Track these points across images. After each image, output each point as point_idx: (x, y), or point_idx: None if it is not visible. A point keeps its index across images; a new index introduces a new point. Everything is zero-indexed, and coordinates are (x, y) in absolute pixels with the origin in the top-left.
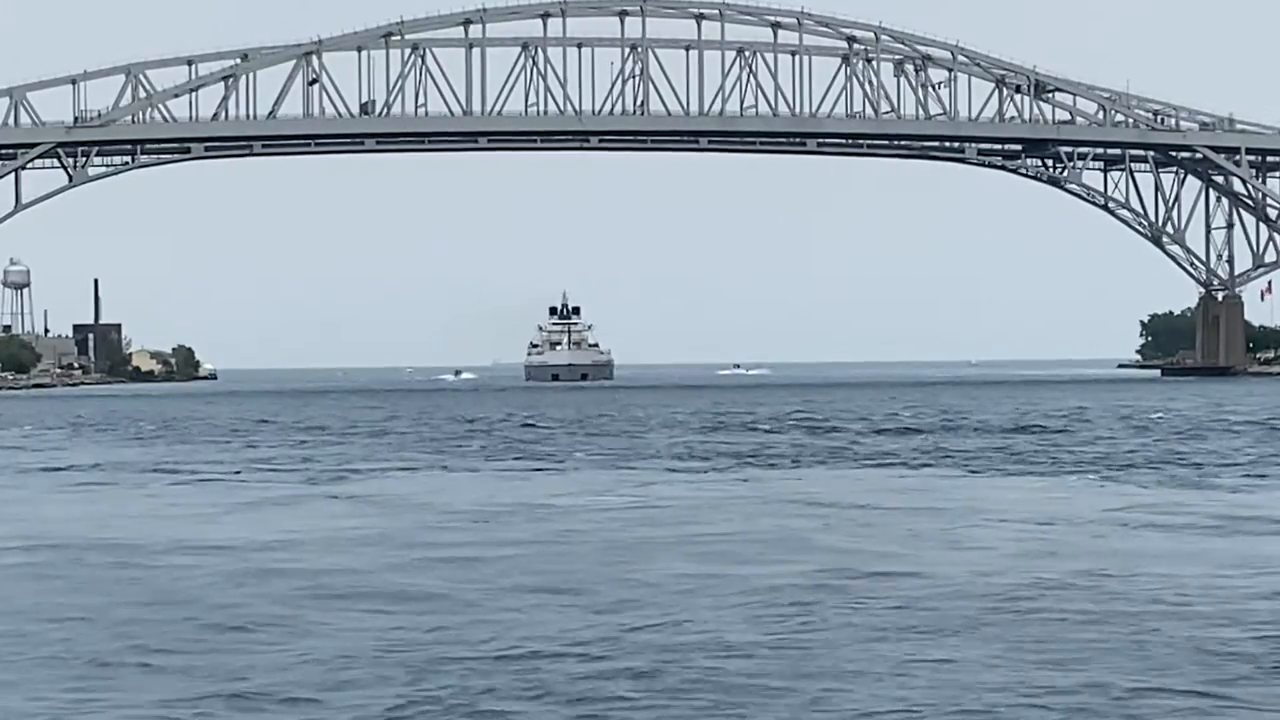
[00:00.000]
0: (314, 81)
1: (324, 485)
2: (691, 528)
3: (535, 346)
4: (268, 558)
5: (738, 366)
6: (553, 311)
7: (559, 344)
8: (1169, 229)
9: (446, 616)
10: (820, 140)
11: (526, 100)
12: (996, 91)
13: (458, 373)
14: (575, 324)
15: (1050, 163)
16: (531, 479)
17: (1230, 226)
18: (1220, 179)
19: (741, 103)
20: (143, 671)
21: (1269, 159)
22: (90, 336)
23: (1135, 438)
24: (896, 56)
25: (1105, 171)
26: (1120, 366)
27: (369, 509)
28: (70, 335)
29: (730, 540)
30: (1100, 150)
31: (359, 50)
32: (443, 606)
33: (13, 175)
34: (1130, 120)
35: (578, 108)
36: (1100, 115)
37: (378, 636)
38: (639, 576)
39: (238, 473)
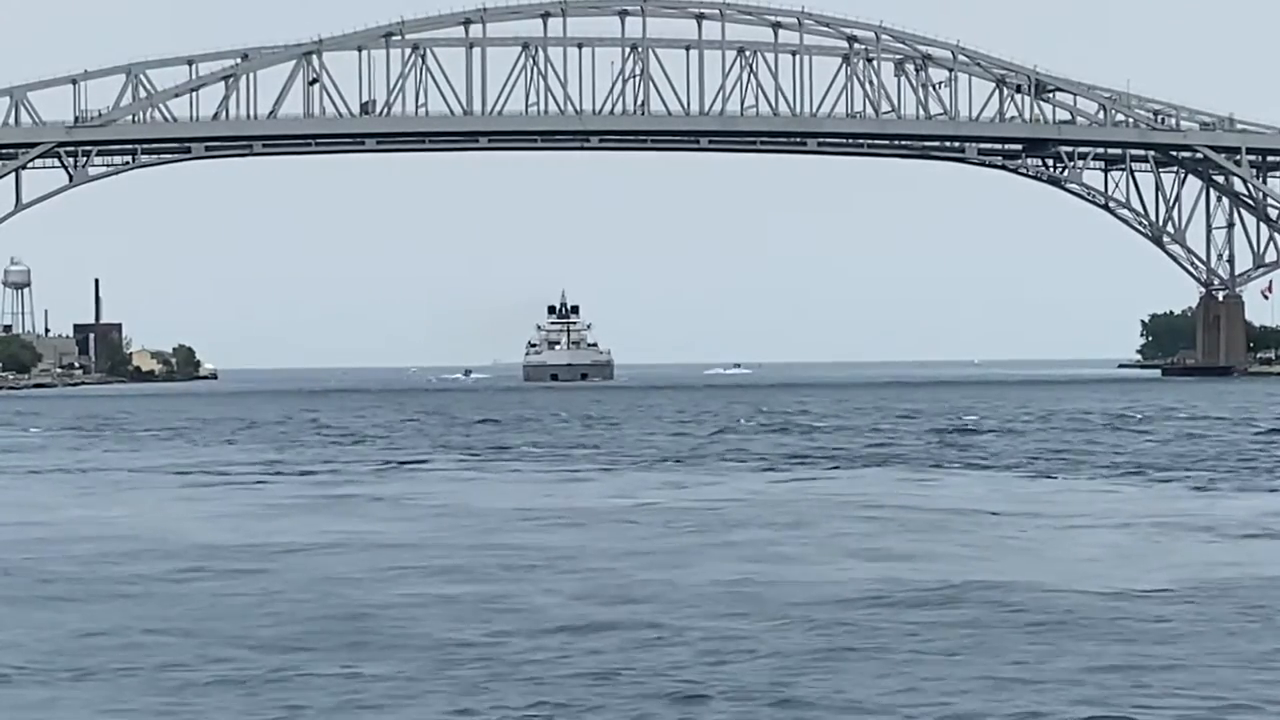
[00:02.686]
0: (314, 81)
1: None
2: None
3: (533, 346)
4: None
5: (738, 366)
6: (551, 311)
7: (558, 344)
8: (1169, 229)
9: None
10: (820, 140)
11: (527, 100)
12: (997, 91)
13: (468, 372)
14: (574, 323)
15: (1050, 163)
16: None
17: (1230, 226)
18: (1221, 179)
19: (742, 102)
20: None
21: (1269, 159)
22: (90, 336)
23: None
24: (897, 56)
25: (1105, 171)
26: (1120, 366)
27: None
28: (70, 335)
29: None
30: (1100, 150)
31: (359, 50)
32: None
33: (13, 175)
34: (1130, 120)
35: (578, 108)
36: (1100, 115)
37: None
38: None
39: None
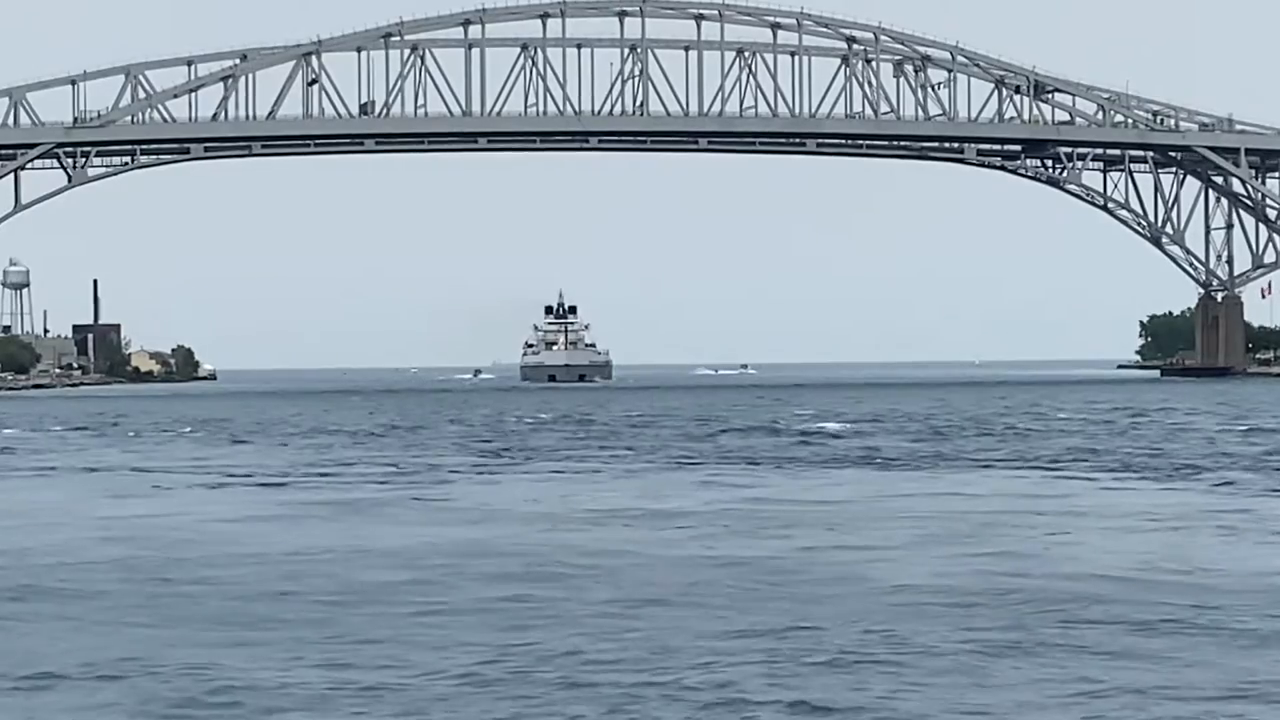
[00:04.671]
0: (314, 82)
1: None
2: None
3: (531, 346)
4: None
5: (744, 367)
6: (549, 311)
7: (555, 344)
8: (1168, 229)
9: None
10: (820, 140)
11: (526, 100)
12: (996, 92)
13: (477, 372)
14: (572, 323)
15: (1050, 163)
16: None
17: (1230, 227)
18: (1220, 179)
19: (741, 103)
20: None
21: (1268, 159)
22: (90, 337)
23: None
24: (896, 57)
25: (1105, 172)
26: (1120, 367)
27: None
28: (70, 336)
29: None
30: (1100, 150)
31: (359, 50)
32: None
33: (12, 175)
34: (1130, 120)
35: (577, 108)
36: (1100, 115)
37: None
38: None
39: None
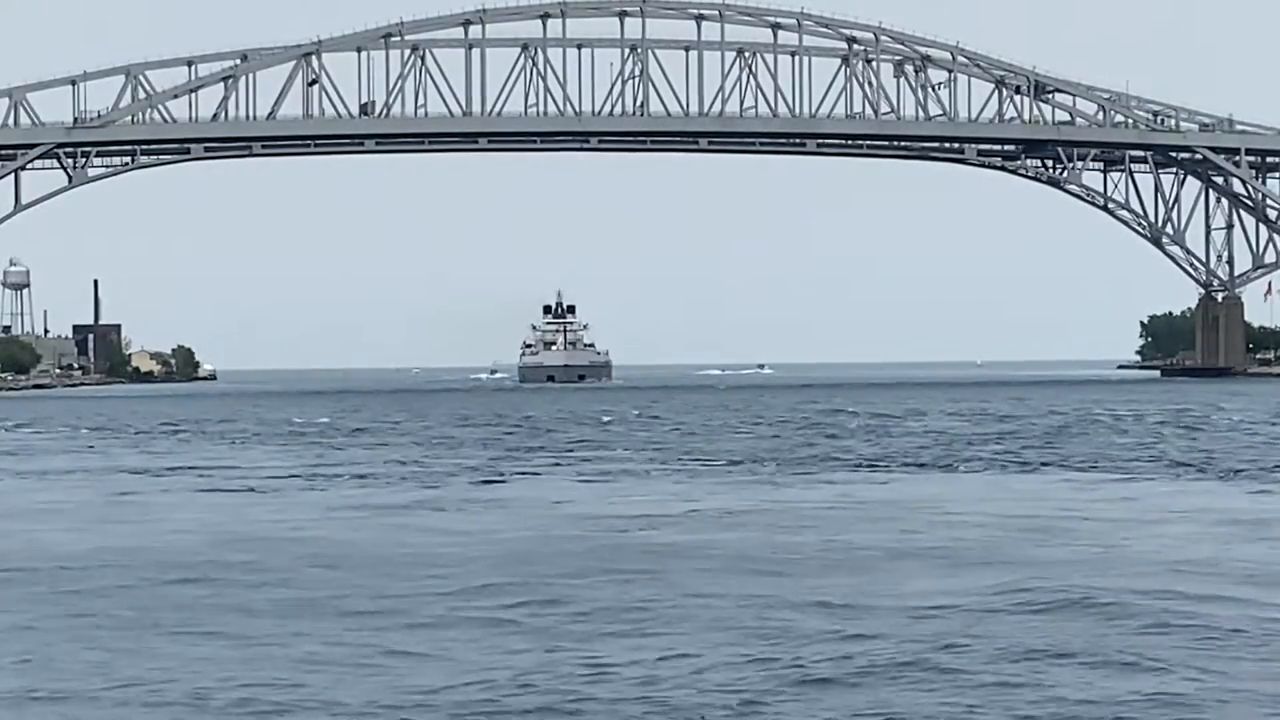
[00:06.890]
0: (314, 82)
1: None
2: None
3: (529, 347)
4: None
5: (761, 367)
6: (547, 310)
7: (554, 344)
8: (1169, 230)
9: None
10: (820, 141)
11: (526, 101)
12: (996, 92)
13: (493, 372)
14: (571, 323)
15: (1050, 163)
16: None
17: (1230, 227)
18: (1220, 180)
19: (741, 103)
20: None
21: (1269, 159)
22: (90, 337)
23: None
24: (896, 57)
25: (1105, 172)
26: (1120, 367)
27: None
28: (70, 336)
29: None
30: (1100, 150)
31: (359, 51)
32: None
33: (12, 176)
34: (1130, 121)
35: (578, 108)
36: (1100, 116)
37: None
38: None
39: None
